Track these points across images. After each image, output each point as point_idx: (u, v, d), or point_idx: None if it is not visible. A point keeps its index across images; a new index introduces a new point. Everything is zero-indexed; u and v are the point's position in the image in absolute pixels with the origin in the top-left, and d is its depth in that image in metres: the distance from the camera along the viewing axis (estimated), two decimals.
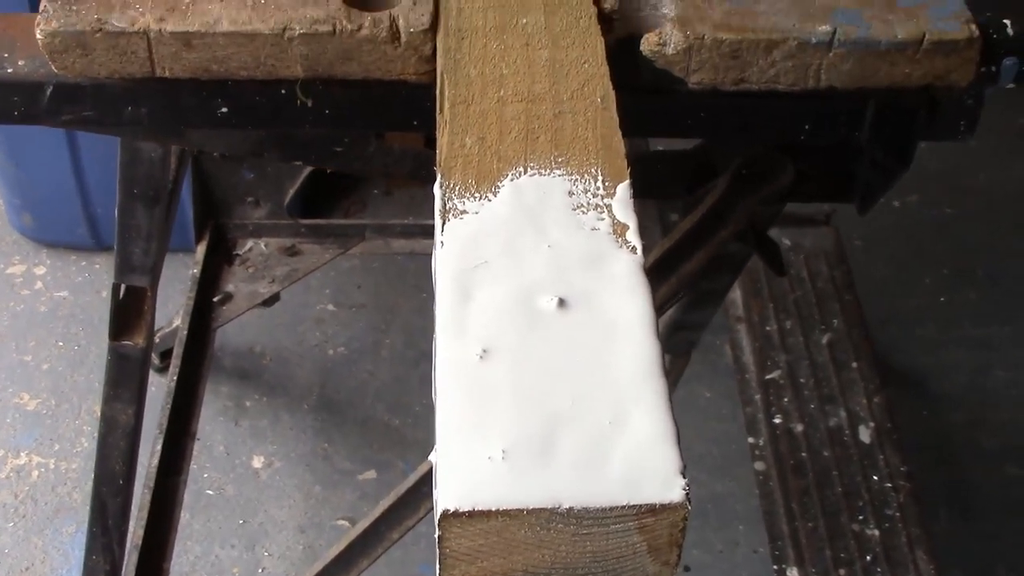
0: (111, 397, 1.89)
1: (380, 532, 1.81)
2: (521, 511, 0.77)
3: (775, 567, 2.24)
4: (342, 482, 2.71)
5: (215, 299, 2.62)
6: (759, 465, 2.40)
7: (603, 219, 0.96)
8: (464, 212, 0.97)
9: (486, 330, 0.87)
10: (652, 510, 0.78)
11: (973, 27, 1.20)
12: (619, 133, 1.05)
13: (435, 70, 1.16)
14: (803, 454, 2.39)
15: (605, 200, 0.98)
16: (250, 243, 2.75)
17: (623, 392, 0.83)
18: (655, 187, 1.74)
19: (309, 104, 1.25)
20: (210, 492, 2.68)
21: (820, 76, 1.21)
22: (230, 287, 2.66)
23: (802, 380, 2.54)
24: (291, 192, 2.85)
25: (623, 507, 0.77)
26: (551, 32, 1.16)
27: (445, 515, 0.77)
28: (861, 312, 2.70)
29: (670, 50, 1.20)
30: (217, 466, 2.73)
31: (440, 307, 0.90)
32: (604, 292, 0.90)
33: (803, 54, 1.20)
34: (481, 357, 0.85)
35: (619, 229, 0.95)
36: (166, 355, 2.74)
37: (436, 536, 0.78)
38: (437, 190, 0.99)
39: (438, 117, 1.07)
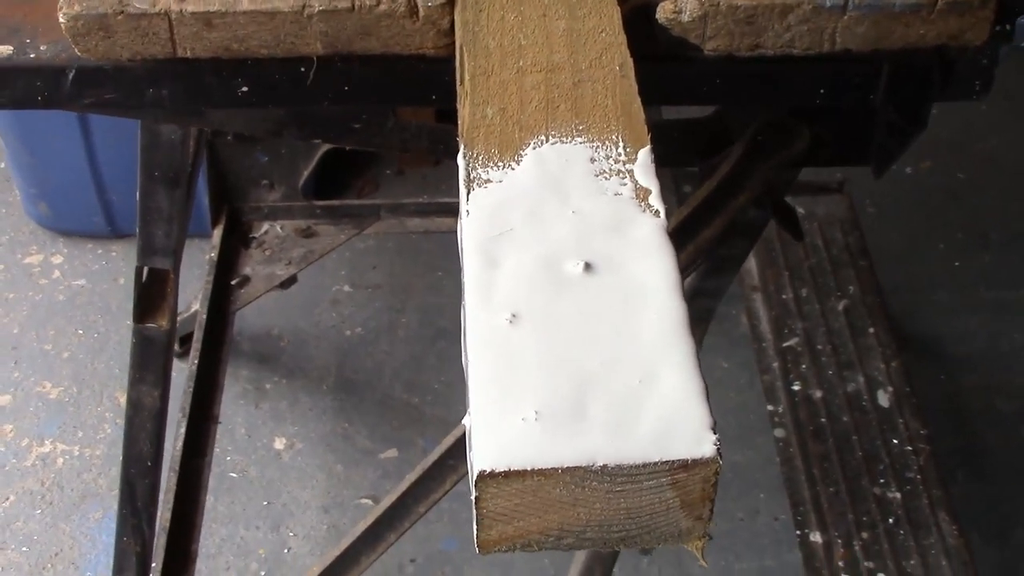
0: (137, 380, 1.90)
1: (407, 506, 1.83)
2: (556, 470, 0.78)
3: (798, 532, 2.25)
4: (363, 461, 2.73)
5: (233, 282, 2.64)
6: (779, 432, 2.41)
7: (625, 184, 0.97)
8: (488, 181, 0.98)
9: (514, 296, 0.88)
10: (684, 466, 0.79)
11: None
12: (638, 100, 1.06)
13: (453, 43, 1.17)
14: (822, 420, 2.40)
15: (627, 166, 0.99)
16: (266, 226, 2.77)
17: (651, 352, 0.84)
18: (670, 156, 1.76)
19: (317, 87, 1.26)
20: (233, 475, 2.70)
21: (835, 39, 1.22)
22: (247, 270, 2.68)
23: (819, 347, 2.55)
24: (305, 174, 2.87)
25: (656, 463, 0.79)
26: (567, 2, 1.17)
27: (481, 476, 0.78)
28: (876, 278, 2.71)
29: (686, 17, 1.21)
30: (239, 449, 2.75)
31: (467, 275, 0.91)
32: (629, 255, 0.92)
33: (818, 18, 1.20)
34: (510, 322, 0.86)
35: (642, 193, 0.96)
36: (185, 340, 2.75)
37: (472, 497, 0.79)
38: (460, 160, 1.00)
39: (458, 89, 1.08)
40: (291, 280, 2.74)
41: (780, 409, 2.44)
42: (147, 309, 1.83)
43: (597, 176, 0.98)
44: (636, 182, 0.97)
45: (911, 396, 2.46)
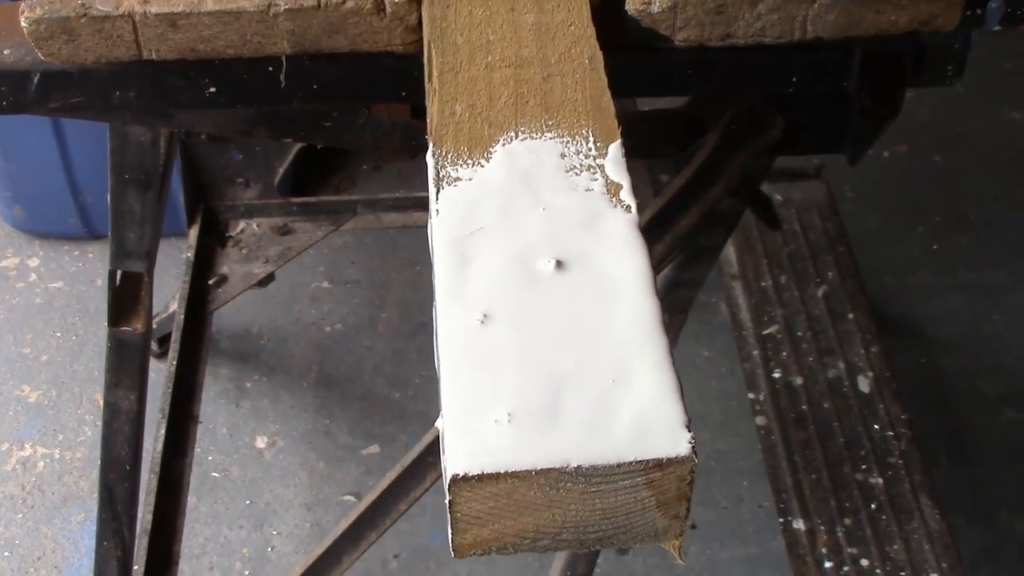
0: (113, 384, 1.89)
1: (387, 504, 1.82)
2: (530, 472, 0.77)
3: (780, 520, 2.25)
4: (346, 458, 2.72)
5: (210, 282, 2.62)
6: (760, 420, 2.41)
7: (596, 179, 0.97)
8: (458, 179, 0.97)
9: (486, 295, 0.88)
10: (659, 464, 0.78)
11: None
12: (608, 93, 1.05)
13: (421, 39, 1.16)
14: (804, 407, 2.40)
15: (597, 160, 0.98)
16: (242, 224, 2.75)
17: (625, 350, 0.84)
18: (645, 147, 1.74)
19: (283, 84, 1.25)
20: (215, 474, 2.69)
21: (806, 27, 1.21)
22: (225, 269, 2.66)
23: (799, 333, 2.54)
24: (280, 171, 2.85)
25: (630, 463, 0.78)
26: None
27: (455, 480, 0.77)
28: (855, 263, 2.71)
29: (655, 8, 1.20)
30: (221, 448, 2.74)
31: (439, 274, 0.90)
32: (601, 252, 0.91)
33: (788, 6, 1.20)
34: (482, 322, 0.86)
35: (613, 189, 0.96)
36: (164, 340, 2.74)
37: (447, 501, 0.79)
38: (430, 158, 0.99)
39: (427, 86, 1.07)
40: (269, 278, 2.73)
41: (761, 396, 2.44)
42: (121, 313, 1.81)
43: (568, 172, 0.97)
44: (607, 177, 0.96)
45: (892, 381, 2.45)
